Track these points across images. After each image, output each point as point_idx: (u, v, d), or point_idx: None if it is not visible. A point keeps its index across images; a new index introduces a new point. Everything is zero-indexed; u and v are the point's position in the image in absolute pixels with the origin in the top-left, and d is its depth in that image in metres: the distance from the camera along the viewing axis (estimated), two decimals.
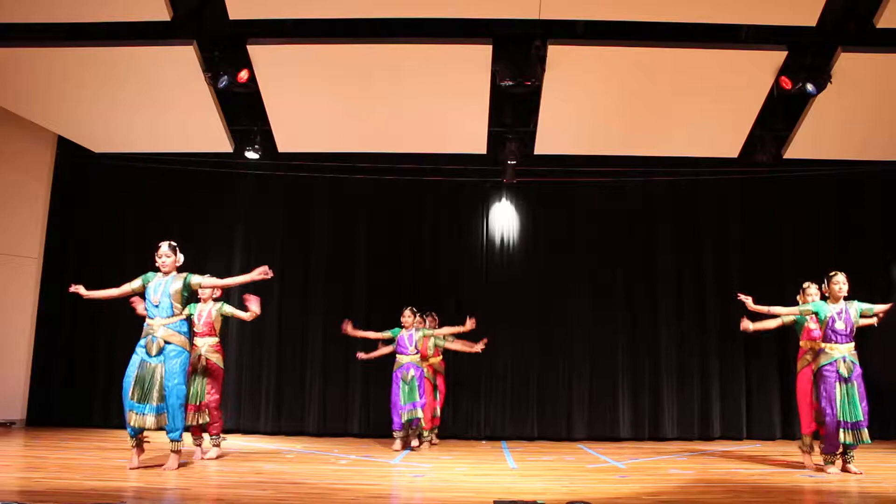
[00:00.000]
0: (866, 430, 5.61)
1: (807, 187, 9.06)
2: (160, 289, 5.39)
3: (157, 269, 5.51)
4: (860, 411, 5.59)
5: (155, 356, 5.28)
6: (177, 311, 5.41)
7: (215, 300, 6.38)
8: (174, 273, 5.48)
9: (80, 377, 8.92)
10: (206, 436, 6.25)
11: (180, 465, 5.40)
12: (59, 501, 3.99)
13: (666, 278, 9.07)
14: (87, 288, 5.53)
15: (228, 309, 6.35)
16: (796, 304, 6.26)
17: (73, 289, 5.51)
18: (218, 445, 6.31)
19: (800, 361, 6.30)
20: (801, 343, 6.28)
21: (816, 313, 5.84)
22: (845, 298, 5.80)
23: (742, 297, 5.97)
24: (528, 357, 8.95)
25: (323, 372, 8.89)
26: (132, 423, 5.21)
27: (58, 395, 8.88)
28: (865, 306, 5.80)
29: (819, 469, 5.83)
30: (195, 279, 5.50)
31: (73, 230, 9.23)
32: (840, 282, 5.77)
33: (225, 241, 9.27)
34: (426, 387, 7.33)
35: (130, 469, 5.22)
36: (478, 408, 8.85)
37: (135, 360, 5.30)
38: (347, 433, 8.70)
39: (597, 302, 9.03)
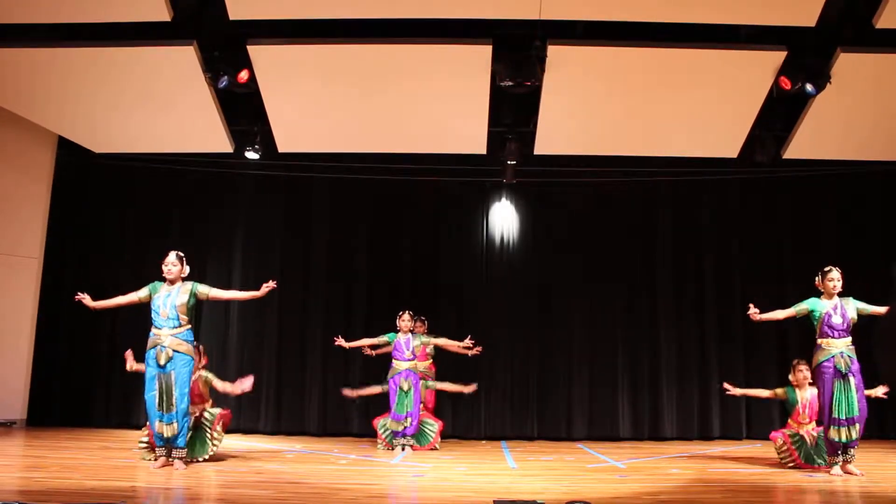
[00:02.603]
0: (858, 426, 5.48)
1: (806, 187, 9.07)
2: (168, 301, 5.42)
3: (162, 279, 5.53)
4: (856, 406, 5.49)
5: (164, 366, 5.32)
6: (183, 321, 5.44)
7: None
8: (180, 283, 5.51)
9: (80, 377, 8.93)
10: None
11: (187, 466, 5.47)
12: (60, 501, 3.99)
13: (665, 278, 9.09)
14: (90, 292, 5.55)
15: (210, 376, 6.18)
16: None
17: (78, 297, 5.52)
18: None
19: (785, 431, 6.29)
20: (790, 421, 6.30)
21: (812, 311, 5.75)
22: (840, 295, 5.73)
23: (752, 310, 5.86)
24: (527, 357, 8.96)
25: (323, 372, 8.90)
26: (161, 432, 5.32)
27: (58, 396, 8.89)
28: (862, 306, 5.70)
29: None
30: (202, 289, 5.55)
31: (73, 230, 9.24)
32: (835, 278, 5.70)
33: (225, 241, 9.29)
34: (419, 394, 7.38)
35: (153, 469, 5.31)
36: (478, 408, 8.86)
37: (150, 373, 5.37)
38: (347, 433, 8.71)
39: (597, 302, 9.04)
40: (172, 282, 5.51)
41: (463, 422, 8.83)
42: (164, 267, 5.49)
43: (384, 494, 4.78)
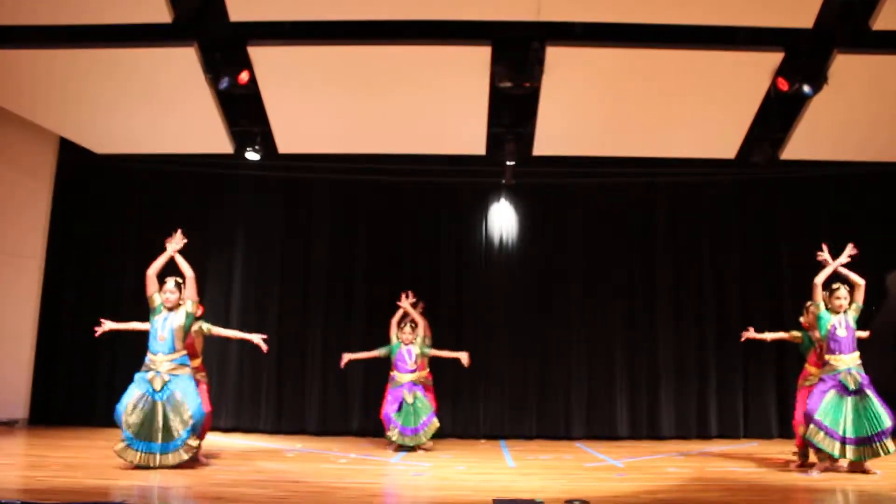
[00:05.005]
0: (888, 440, 5.39)
1: (804, 188, 9.10)
2: (166, 324, 5.54)
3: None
4: (884, 420, 5.41)
5: (159, 391, 5.36)
6: (178, 347, 5.53)
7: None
8: (178, 308, 5.65)
9: (82, 376, 8.95)
10: None
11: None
12: (61, 500, 4.02)
13: (664, 279, 9.12)
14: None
15: (207, 326, 6.28)
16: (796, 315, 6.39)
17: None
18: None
19: (801, 381, 6.26)
20: (807, 366, 6.23)
21: (819, 319, 5.76)
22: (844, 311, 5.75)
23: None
24: (526, 356, 8.99)
25: (323, 371, 8.93)
26: (135, 462, 5.27)
27: (60, 394, 8.91)
28: (855, 305, 5.73)
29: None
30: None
31: (74, 231, 9.27)
32: (842, 296, 5.74)
33: (225, 242, 9.32)
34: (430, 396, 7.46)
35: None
36: (477, 407, 8.90)
37: (136, 392, 5.40)
38: (347, 432, 8.74)
39: (595, 302, 9.07)
40: (171, 308, 5.62)
41: (462, 421, 8.86)
42: (162, 294, 5.61)
43: (384, 493, 4.82)
